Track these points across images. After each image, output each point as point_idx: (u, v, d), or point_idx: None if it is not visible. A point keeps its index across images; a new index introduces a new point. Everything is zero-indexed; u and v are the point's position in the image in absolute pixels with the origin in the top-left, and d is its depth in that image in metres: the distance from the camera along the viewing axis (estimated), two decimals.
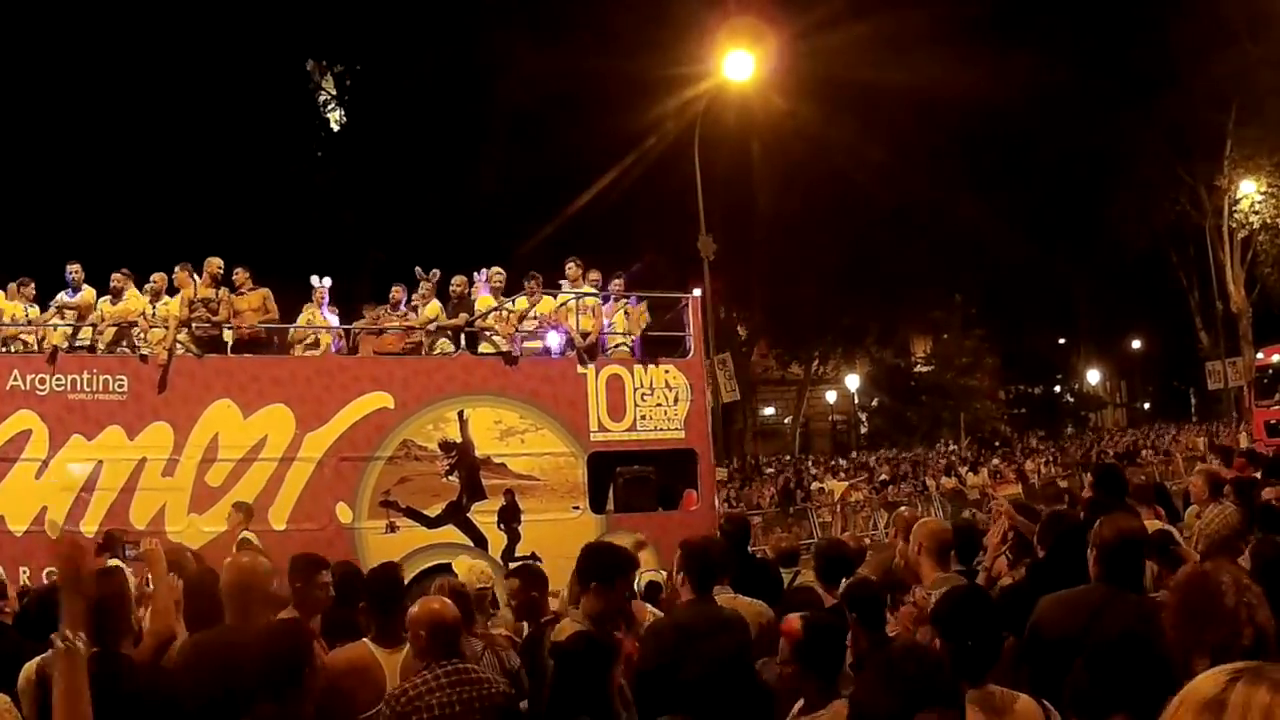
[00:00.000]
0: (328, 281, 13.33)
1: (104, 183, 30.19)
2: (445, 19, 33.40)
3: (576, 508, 12.91)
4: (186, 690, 3.95)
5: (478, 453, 12.76)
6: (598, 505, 13.13)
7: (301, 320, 13.27)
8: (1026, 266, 42.03)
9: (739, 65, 25.62)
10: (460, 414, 12.75)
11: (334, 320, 13.65)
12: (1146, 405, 63.96)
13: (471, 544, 12.40)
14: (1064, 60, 35.88)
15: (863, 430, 49.62)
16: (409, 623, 4.47)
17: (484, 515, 12.67)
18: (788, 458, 39.42)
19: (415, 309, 13.61)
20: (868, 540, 13.14)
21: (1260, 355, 31.60)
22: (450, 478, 12.66)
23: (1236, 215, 40.03)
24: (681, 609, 5.12)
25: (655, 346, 14.11)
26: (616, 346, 13.67)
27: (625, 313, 13.88)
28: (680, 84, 29.52)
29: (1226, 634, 3.34)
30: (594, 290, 13.86)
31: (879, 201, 36.42)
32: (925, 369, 50.09)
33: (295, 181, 33.30)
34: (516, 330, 13.36)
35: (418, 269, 13.83)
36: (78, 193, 29.74)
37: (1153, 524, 6.37)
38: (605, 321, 13.77)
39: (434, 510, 12.52)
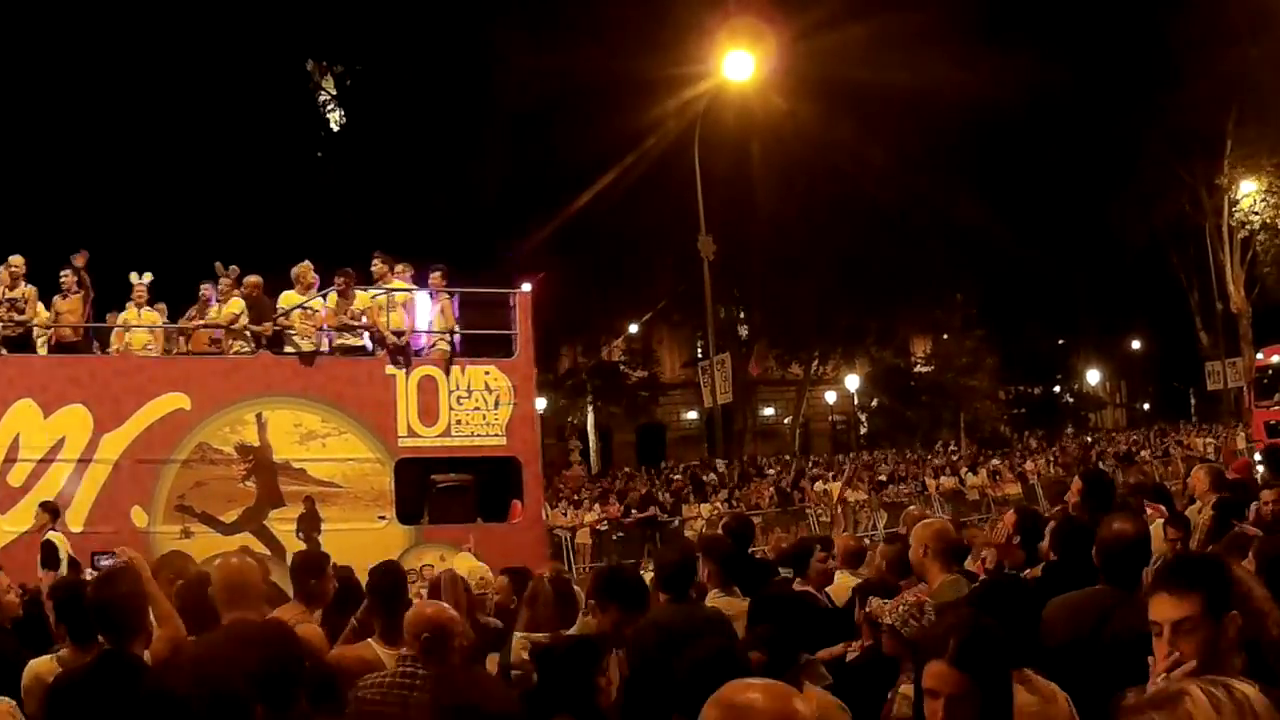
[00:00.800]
0: (148, 278, 12.92)
1: (104, 183, 30.18)
2: (445, 19, 33.39)
3: (382, 517, 12.32)
4: (197, 692, 3.96)
5: (276, 457, 12.23)
6: (408, 515, 12.49)
7: (120, 320, 12.98)
8: (1026, 266, 42.04)
9: (739, 65, 25.68)
10: (258, 416, 12.27)
11: (159, 319, 13.28)
12: (1146, 405, 63.91)
13: (269, 553, 11.74)
14: (1064, 60, 35.87)
15: (862, 430, 49.60)
16: (406, 623, 4.56)
17: (282, 523, 12.11)
18: (787, 458, 39.41)
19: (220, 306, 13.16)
20: (868, 540, 13.07)
21: (1260, 355, 31.58)
22: (247, 483, 12.18)
23: (1236, 215, 40.07)
24: (660, 609, 5.14)
25: (483, 346, 13.29)
26: (434, 345, 12.95)
27: (442, 310, 13.18)
28: (680, 84, 29.57)
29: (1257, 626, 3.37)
30: (406, 286, 13.19)
31: (879, 201, 36.42)
32: (925, 369, 50.07)
33: (295, 182, 33.28)
34: (324, 328, 12.76)
35: (218, 264, 13.27)
36: (77, 193, 29.73)
37: (1156, 524, 6.37)
38: (427, 320, 13.07)
39: (230, 516, 12.04)
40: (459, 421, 12.73)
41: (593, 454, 43.57)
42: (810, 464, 34.95)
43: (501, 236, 32.15)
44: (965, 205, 37.05)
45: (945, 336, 49.35)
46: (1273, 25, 34.03)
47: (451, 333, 13.09)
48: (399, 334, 12.72)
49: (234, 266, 13.22)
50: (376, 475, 12.43)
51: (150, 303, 13.22)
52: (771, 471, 32.97)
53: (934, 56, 32.59)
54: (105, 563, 10.26)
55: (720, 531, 8.14)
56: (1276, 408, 28.22)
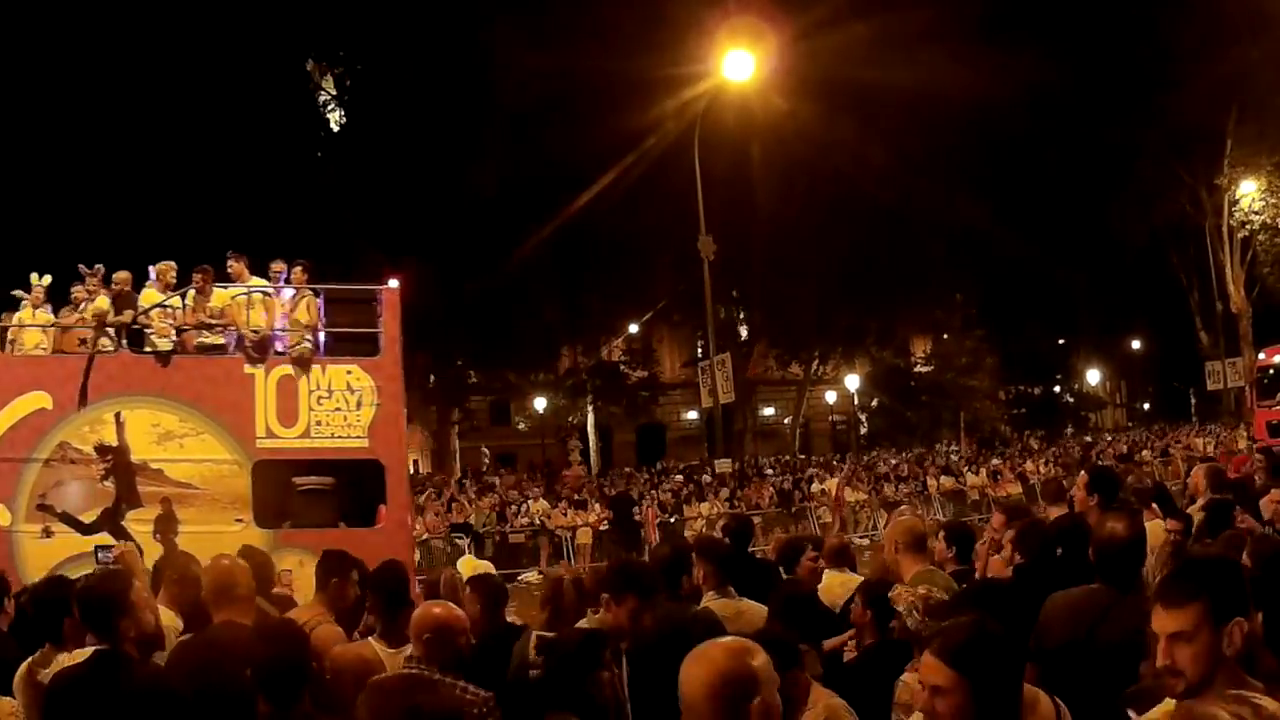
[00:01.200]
0: (47, 279, 12.82)
1: (104, 183, 30.19)
2: (444, 19, 33.40)
3: (239, 520, 11.97)
4: (190, 690, 3.97)
5: (134, 457, 12.03)
6: (268, 518, 12.14)
7: (15, 320, 12.83)
8: (1026, 266, 42.08)
9: (739, 65, 25.68)
10: (117, 416, 12.05)
11: (51, 320, 12.94)
12: (1146, 405, 64.05)
13: None
14: (1064, 60, 35.88)
15: (862, 430, 49.63)
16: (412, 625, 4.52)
17: (140, 524, 11.85)
18: (787, 458, 39.43)
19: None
20: (868, 540, 13.05)
21: (1261, 355, 31.62)
22: (106, 483, 11.98)
23: (1236, 215, 40.10)
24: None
25: (353, 345, 12.80)
26: (298, 344, 12.54)
27: (307, 306, 12.70)
28: (680, 84, 29.57)
29: None
30: (266, 283, 12.83)
31: (879, 202, 36.43)
32: (925, 369, 50.12)
33: (295, 182, 33.26)
34: (183, 326, 12.51)
35: (81, 265, 13.01)
36: (77, 193, 29.75)
37: (1155, 523, 6.38)
38: (283, 316, 12.65)
39: (89, 516, 11.86)
40: (319, 422, 12.38)
41: (593, 454, 43.62)
42: (810, 464, 34.97)
43: (501, 236, 32.17)
44: (965, 205, 37.07)
45: (945, 336, 49.40)
46: (1273, 25, 34.07)
47: (314, 330, 12.74)
48: (256, 332, 12.43)
49: (99, 265, 12.99)
50: (234, 477, 12.14)
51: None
52: (771, 471, 32.99)
53: (934, 56, 32.61)
54: (105, 556, 10.27)
55: (719, 532, 8.15)
56: (1278, 408, 28.25)
